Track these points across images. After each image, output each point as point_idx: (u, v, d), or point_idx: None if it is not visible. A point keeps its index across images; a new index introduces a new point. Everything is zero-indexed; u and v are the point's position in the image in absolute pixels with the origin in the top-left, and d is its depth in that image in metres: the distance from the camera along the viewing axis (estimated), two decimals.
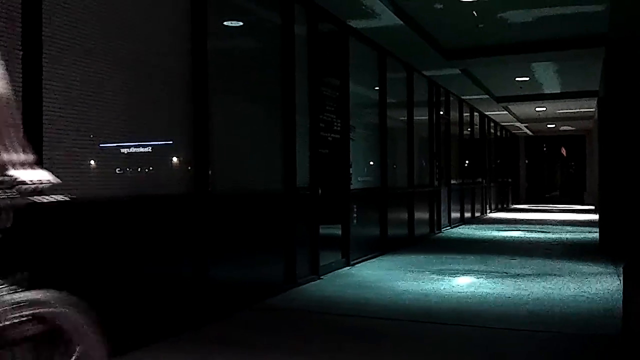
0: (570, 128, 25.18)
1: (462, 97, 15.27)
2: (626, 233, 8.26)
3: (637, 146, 8.54)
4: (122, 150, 4.26)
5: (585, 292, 6.13)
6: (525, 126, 23.58)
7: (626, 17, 7.57)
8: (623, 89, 8.70)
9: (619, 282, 6.24)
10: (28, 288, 1.94)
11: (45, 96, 3.53)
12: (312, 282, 6.61)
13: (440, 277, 7.04)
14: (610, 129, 9.12)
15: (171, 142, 4.78)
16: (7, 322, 1.81)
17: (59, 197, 2.19)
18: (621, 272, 4.33)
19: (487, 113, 18.78)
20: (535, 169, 29.64)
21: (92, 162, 4.00)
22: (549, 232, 12.62)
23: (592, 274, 7.26)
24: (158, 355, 3.98)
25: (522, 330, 4.68)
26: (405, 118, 10.99)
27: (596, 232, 10.48)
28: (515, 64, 11.45)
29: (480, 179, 18.05)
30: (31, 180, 2.09)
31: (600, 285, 6.51)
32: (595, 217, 13.43)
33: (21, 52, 3.41)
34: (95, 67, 3.95)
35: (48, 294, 1.96)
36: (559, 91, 15.29)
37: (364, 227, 8.47)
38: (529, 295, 5.97)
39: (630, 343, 3.55)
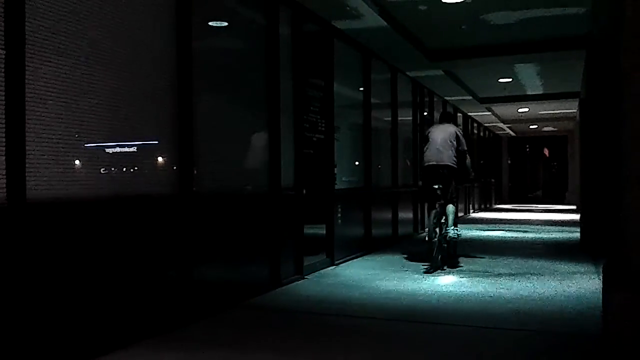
0: (552, 129, 25.43)
1: (446, 98, 15.37)
2: (606, 233, 8.37)
3: (618, 147, 8.64)
4: (107, 150, 4.26)
5: (566, 291, 6.21)
6: (508, 127, 23.78)
7: (607, 20, 7.66)
8: (604, 91, 8.80)
9: (599, 282, 6.33)
10: None
11: (29, 95, 3.52)
12: (297, 282, 6.63)
13: (423, 276, 7.08)
14: (591, 130, 9.22)
15: (156, 142, 4.78)
16: None
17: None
18: (601, 271, 4.40)
19: (470, 114, 18.90)
20: (518, 169, 29.87)
21: (76, 161, 3.99)
22: (532, 232, 12.74)
23: (573, 273, 7.35)
24: (143, 354, 3.99)
25: (503, 329, 4.74)
26: (390, 118, 11.05)
27: (577, 231, 10.61)
28: (498, 65, 11.56)
29: None
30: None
31: (581, 284, 6.59)
32: (577, 216, 13.58)
33: (4, 52, 3.40)
34: (80, 67, 3.94)
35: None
36: (541, 92, 15.44)
37: (348, 227, 8.51)
38: (510, 294, 6.03)
39: (610, 341, 3.61)
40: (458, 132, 7.78)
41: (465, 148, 7.79)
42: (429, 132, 7.88)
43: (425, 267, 7.44)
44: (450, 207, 7.61)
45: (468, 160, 8.02)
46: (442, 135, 7.65)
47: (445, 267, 7.49)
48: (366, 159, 9.47)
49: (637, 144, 3.61)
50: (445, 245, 7.60)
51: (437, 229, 7.52)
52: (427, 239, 7.56)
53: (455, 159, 7.61)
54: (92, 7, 4.09)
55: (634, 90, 3.62)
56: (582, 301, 5.70)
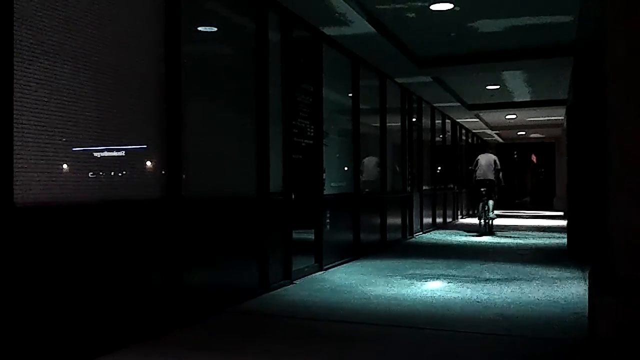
0: (540, 135, 25.59)
1: (434, 105, 15.44)
2: (593, 239, 8.43)
3: (604, 154, 8.72)
4: (95, 154, 4.26)
5: (553, 296, 6.25)
6: (496, 133, 23.91)
7: (593, 28, 7.74)
8: (590, 98, 8.88)
9: (585, 287, 6.38)
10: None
11: (17, 99, 3.51)
12: (285, 287, 6.64)
13: (411, 281, 7.11)
14: (578, 137, 9.31)
15: (145, 146, 4.78)
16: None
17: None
18: (588, 276, 4.44)
19: (458, 120, 19.00)
20: (506, 175, 30.00)
21: (64, 165, 3.99)
22: (519, 238, 12.80)
23: (560, 278, 7.40)
24: (131, 359, 3.98)
25: (490, 334, 4.77)
26: (378, 124, 11.09)
27: (565, 237, 10.67)
28: (486, 72, 11.64)
29: (451, 185, 18.25)
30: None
31: (567, 289, 6.64)
32: (564, 222, 13.67)
33: None
34: (69, 71, 3.94)
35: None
36: (529, 99, 15.55)
37: (336, 232, 8.52)
38: (498, 299, 6.07)
39: (596, 346, 3.64)
40: (496, 159, 13.39)
41: (499, 168, 13.37)
42: (478, 159, 13.48)
43: (474, 234, 13.26)
44: (491, 202, 13.35)
45: (500, 174, 13.54)
46: (486, 160, 13.35)
47: (487, 234, 13.16)
48: (355, 165, 9.50)
49: (619, 151, 3.65)
50: (488, 222, 13.49)
51: (484, 213, 13.35)
52: (478, 218, 13.77)
53: (493, 174, 13.23)
54: (80, 11, 4.09)
55: (618, 98, 3.66)
56: (569, 306, 5.74)
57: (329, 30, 8.05)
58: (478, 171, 13.25)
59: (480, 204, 13.37)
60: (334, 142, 8.89)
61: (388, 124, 11.37)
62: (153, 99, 4.80)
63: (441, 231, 14.63)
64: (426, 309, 5.64)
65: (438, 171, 16.53)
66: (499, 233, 13.94)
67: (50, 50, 3.80)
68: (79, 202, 4.00)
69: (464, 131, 21.00)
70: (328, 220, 8.16)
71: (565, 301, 6.00)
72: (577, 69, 9.52)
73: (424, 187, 14.34)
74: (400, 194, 12.27)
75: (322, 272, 7.79)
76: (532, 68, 11.24)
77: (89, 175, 4.19)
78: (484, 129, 21.67)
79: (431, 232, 14.19)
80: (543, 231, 14.63)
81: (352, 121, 9.56)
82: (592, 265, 4.44)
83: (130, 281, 4.38)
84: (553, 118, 18.87)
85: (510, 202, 28.71)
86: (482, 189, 13.17)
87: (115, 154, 4.45)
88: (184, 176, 5.02)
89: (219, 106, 5.95)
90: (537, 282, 7.13)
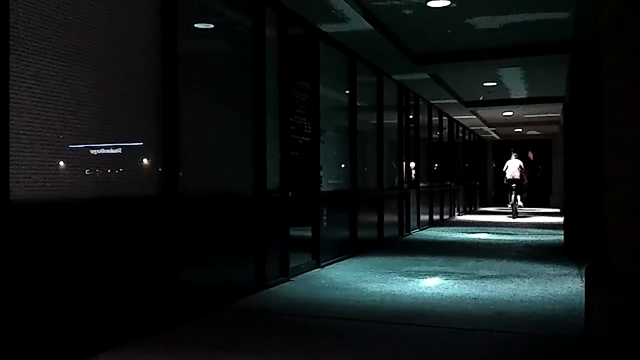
0: (536, 132, 25.60)
1: (431, 102, 15.44)
2: (589, 235, 8.44)
3: (600, 150, 8.72)
4: (92, 151, 4.25)
5: (549, 293, 6.27)
6: (493, 130, 23.92)
7: (590, 25, 7.74)
8: (587, 95, 8.89)
9: (582, 284, 6.39)
10: None
11: (13, 96, 3.50)
12: (282, 284, 6.64)
13: (408, 278, 7.12)
14: (575, 134, 9.31)
15: (141, 143, 4.78)
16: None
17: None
18: (584, 273, 4.44)
19: (455, 117, 19.00)
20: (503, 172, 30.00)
21: (61, 162, 3.98)
22: (516, 234, 12.82)
23: (557, 275, 7.41)
24: (128, 356, 3.97)
25: (487, 330, 4.77)
26: (375, 121, 11.09)
27: (561, 234, 10.69)
28: (483, 69, 11.63)
29: (448, 182, 18.26)
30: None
31: (564, 286, 6.65)
32: (561, 219, 13.69)
33: None
34: (65, 68, 3.93)
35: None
36: (525, 96, 15.56)
37: (334, 229, 8.53)
38: (495, 296, 6.08)
39: (592, 343, 3.65)
40: (521, 164, 17.97)
41: (523, 167, 18.08)
42: (507, 164, 18.09)
43: (509, 217, 18.13)
44: (519, 195, 18.63)
45: (525, 175, 18.25)
46: (514, 164, 17.92)
47: (516, 217, 17.84)
48: (352, 162, 9.50)
49: (615, 149, 3.66)
50: (515, 208, 18.05)
51: (513, 201, 17.94)
52: (509, 205, 18.78)
53: (519, 174, 17.79)
54: (77, 8, 4.07)
55: (613, 96, 3.67)
56: (565, 303, 5.76)
57: (326, 27, 8.04)
58: (508, 171, 17.87)
59: (512, 196, 18.03)
60: (331, 139, 8.88)
61: (385, 121, 11.37)
62: (150, 96, 4.79)
63: (438, 228, 14.64)
64: (423, 305, 5.65)
65: (435, 168, 16.54)
66: (493, 230, 13.98)
67: (46, 46, 3.79)
68: (75, 199, 3.99)
69: (460, 128, 21.01)
70: (325, 217, 8.16)
71: (561, 298, 6.01)
72: (574, 66, 9.52)
73: (421, 184, 14.35)
74: (397, 190, 12.27)
75: (319, 269, 7.79)
76: (529, 65, 11.24)
77: (86, 172, 4.18)
78: (481, 125, 21.68)
79: (428, 229, 14.21)
80: (540, 228, 14.66)
81: (349, 118, 9.56)
82: (588, 262, 4.45)
83: (127, 278, 4.38)
84: (550, 115, 18.89)
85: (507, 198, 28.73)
86: (512, 185, 17.88)
87: (111, 151, 4.44)
88: (180, 173, 5.02)
89: (215, 103, 5.94)
90: (534, 278, 7.15)
